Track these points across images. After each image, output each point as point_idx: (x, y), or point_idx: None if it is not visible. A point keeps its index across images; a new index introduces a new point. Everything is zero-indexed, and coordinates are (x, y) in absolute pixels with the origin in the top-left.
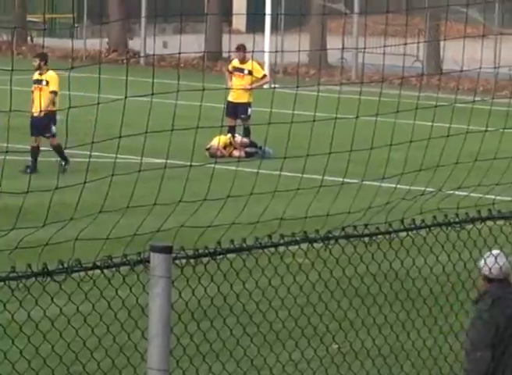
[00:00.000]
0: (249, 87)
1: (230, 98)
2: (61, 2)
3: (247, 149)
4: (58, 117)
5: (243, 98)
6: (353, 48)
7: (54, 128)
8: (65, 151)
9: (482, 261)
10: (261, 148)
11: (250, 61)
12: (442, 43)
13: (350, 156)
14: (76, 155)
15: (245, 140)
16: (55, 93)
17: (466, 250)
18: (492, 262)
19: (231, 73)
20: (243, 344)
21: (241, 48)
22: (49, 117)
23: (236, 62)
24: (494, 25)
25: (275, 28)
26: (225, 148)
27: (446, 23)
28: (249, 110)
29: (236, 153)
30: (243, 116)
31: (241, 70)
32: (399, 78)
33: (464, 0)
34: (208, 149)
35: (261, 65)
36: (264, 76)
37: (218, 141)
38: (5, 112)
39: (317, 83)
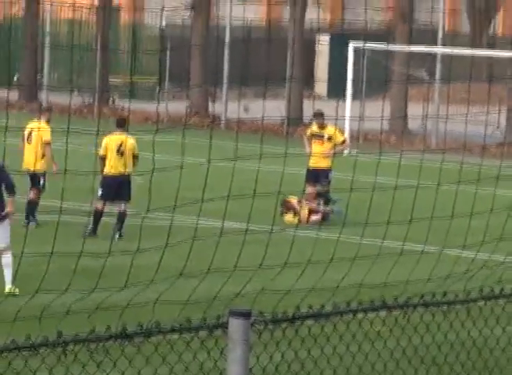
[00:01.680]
0: (329, 152)
1: (310, 164)
2: (142, 65)
3: (320, 209)
4: (140, 180)
5: (324, 163)
6: (435, 115)
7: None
8: (149, 214)
9: None
10: (332, 207)
11: (329, 126)
12: None
13: (430, 224)
14: (156, 218)
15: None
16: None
17: None
18: None
19: (310, 139)
20: None
21: (319, 115)
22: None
23: (315, 128)
24: None
25: (356, 94)
26: (300, 201)
27: None
28: (330, 175)
29: (313, 217)
30: (324, 181)
31: (321, 136)
32: (479, 147)
33: None
34: (283, 210)
35: (341, 130)
36: (344, 141)
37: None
38: (85, 173)
39: (398, 151)
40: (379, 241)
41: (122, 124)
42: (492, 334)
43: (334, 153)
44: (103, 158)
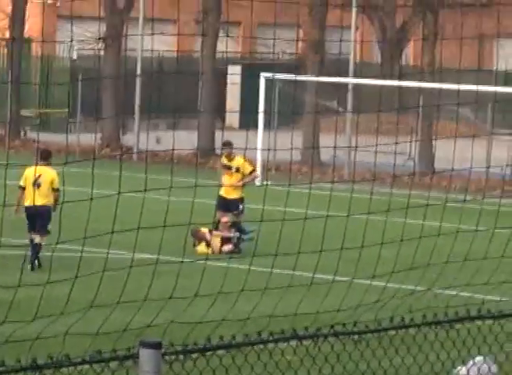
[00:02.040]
0: (238, 184)
1: (222, 193)
2: (54, 97)
3: (231, 235)
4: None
5: (234, 194)
6: (346, 146)
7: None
8: (58, 245)
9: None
10: (241, 236)
11: (237, 157)
12: (434, 142)
13: (340, 254)
14: (68, 250)
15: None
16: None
17: (455, 349)
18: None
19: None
20: None
21: (227, 145)
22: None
23: (223, 159)
24: (486, 124)
25: (268, 125)
26: (210, 231)
27: (437, 123)
28: (240, 206)
29: (225, 248)
30: (235, 211)
31: (229, 168)
32: (391, 177)
33: (456, 99)
34: (194, 241)
35: (250, 160)
36: (253, 171)
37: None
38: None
39: (309, 181)
40: (290, 271)
41: (45, 156)
42: (402, 364)
43: (243, 184)
44: (22, 189)
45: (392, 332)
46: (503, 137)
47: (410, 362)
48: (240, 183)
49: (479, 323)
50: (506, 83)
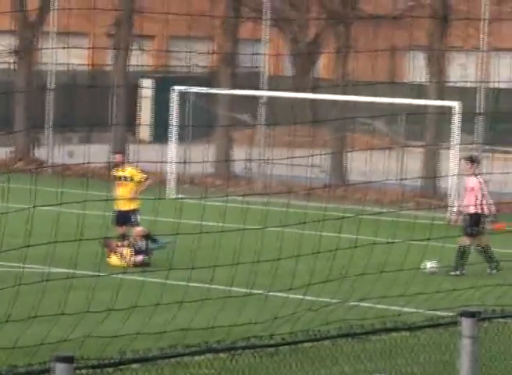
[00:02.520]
0: (134, 194)
1: (116, 207)
2: None
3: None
4: None
5: (129, 206)
6: (259, 159)
7: None
8: None
9: None
10: (151, 246)
11: (129, 168)
12: (348, 154)
13: (256, 267)
14: None
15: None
16: None
17: (372, 361)
18: None
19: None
20: None
21: (119, 155)
22: None
23: (115, 171)
24: (399, 137)
25: (181, 139)
26: (118, 244)
27: (345, 136)
28: (132, 217)
29: (137, 259)
30: (131, 222)
31: (121, 178)
32: (304, 190)
33: (369, 112)
34: (107, 251)
35: (141, 170)
36: (145, 179)
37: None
38: None
39: (222, 194)
40: (206, 285)
41: None
42: None
43: (138, 194)
44: None
45: (308, 344)
46: (416, 150)
47: (326, 374)
48: (135, 194)
49: (395, 334)
50: (419, 96)
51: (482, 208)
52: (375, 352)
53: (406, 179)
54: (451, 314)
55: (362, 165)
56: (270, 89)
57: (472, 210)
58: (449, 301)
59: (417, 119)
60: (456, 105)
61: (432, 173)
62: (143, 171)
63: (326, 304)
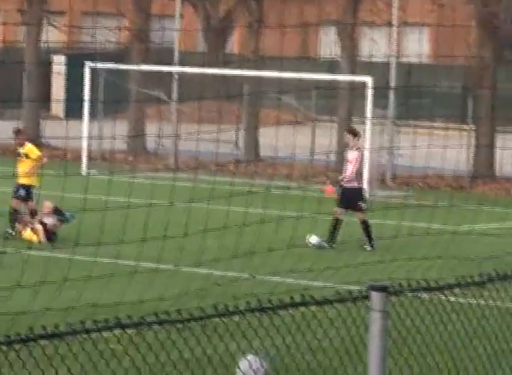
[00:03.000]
0: (31, 170)
1: (18, 182)
2: None
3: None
4: None
5: (25, 181)
6: (171, 134)
7: None
8: None
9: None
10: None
11: (28, 144)
12: (260, 129)
13: (164, 242)
14: None
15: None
16: None
17: (279, 335)
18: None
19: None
20: None
21: (17, 133)
22: None
23: (17, 147)
24: (310, 112)
25: (93, 115)
26: (32, 214)
27: (258, 111)
28: (22, 192)
29: (47, 233)
30: (23, 197)
31: (20, 155)
32: (215, 165)
33: (281, 87)
34: (19, 226)
35: (38, 147)
36: (39, 157)
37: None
38: None
39: (134, 170)
40: (114, 260)
41: None
42: (227, 351)
43: (35, 170)
44: None
45: (217, 319)
46: (327, 124)
47: (234, 348)
48: (32, 170)
49: (303, 309)
50: (329, 71)
51: (359, 182)
52: (282, 327)
53: (315, 153)
54: (360, 288)
55: (273, 140)
56: (182, 65)
57: (349, 183)
58: (358, 275)
59: (330, 94)
60: (368, 80)
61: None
62: (38, 149)
63: (235, 279)
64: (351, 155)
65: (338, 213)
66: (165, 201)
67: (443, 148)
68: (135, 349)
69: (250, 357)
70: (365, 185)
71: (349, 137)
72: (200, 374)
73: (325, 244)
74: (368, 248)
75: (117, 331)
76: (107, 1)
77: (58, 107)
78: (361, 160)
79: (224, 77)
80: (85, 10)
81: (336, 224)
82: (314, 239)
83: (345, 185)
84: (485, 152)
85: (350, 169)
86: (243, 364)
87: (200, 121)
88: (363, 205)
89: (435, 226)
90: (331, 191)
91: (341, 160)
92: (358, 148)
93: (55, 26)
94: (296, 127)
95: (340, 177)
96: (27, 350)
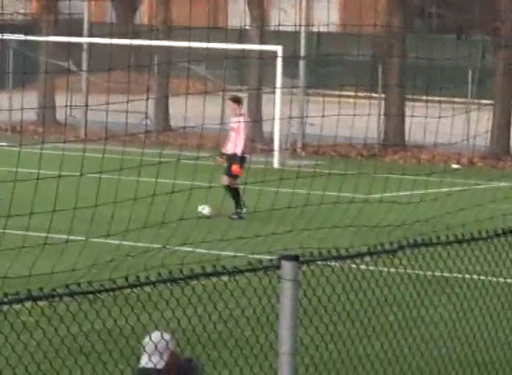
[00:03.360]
0: None
1: None
2: None
3: None
4: None
5: None
6: (81, 105)
7: None
8: None
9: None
10: None
11: None
12: (170, 100)
13: (75, 214)
14: None
15: None
16: None
17: (191, 306)
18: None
19: None
20: None
21: None
22: None
23: None
24: (221, 81)
25: (2, 85)
26: None
27: (168, 81)
28: None
29: None
30: None
31: None
32: (125, 135)
33: (191, 57)
34: None
35: None
36: None
37: None
38: None
39: (44, 141)
40: (23, 232)
41: None
42: (138, 322)
43: None
44: None
45: (128, 290)
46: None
47: (145, 319)
48: None
49: (214, 279)
50: (239, 40)
51: (242, 149)
52: (194, 297)
53: (223, 123)
54: (271, 258)
55: (183, 110)
56: (92, 36)
57: (233, 150)
58: (269, 245)
59: (240, 64)
60: (278, 49)
61: (255, 117)
62: None
63: (146, 249)
64: (235, 122)
65: (226, 181)
66: (75, 172)
67: (353, 117)
68: (46, 321)
69: (153, 332)
70: (245, 153)
71: (233, 105)
72: (112, 345)
73: (236, 216)
74: (234, 216)
75: (28, 303)
76: None
77: None
78: (245, 127)
79: (134, 48)
80: None
81: (232, 192)
82: (205, 209)
83: (229, 152)
84: (394, 121)
85: (233, 137)
86: (145, 338)
87: (110, 92)
88: (234, 169)
89: (345, 195)
90: (237, 170)
91: (254, 130)
92: (242, 115)
93: None
94: (206, 97)
95: (225, 146)
96: None
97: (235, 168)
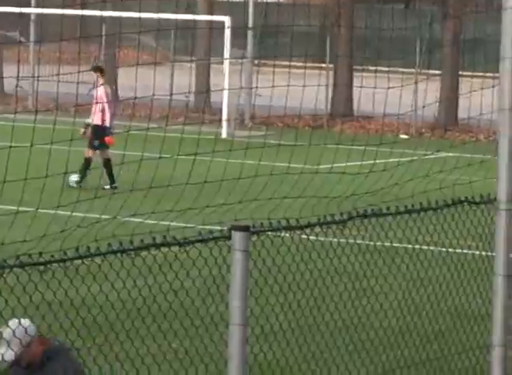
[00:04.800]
0: None
1: None
2: None
3: None
4: None
5: None
6: (29, 76)
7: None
8: None
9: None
10: None
11: None
12: (119, 70)
13: (24, 185)
14: None
15: None
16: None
17: (141, 277)
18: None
19: None
20: None
21: None
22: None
23: None
24: (169, 51)
25: None
26: None
27: (115, 52)
28: None
29: None
30: None
31: None
32: (74, 106)
33: (139, 28)
34: None
35: None
36: None
37: None
38: None
39: None
40: None
41: None
42: (88, 293)
43: None
44: None
45: (78, 261)
46: (187, 65)
47: (96, 290)
48: None
49: (165, 250)
50: (188, 11)
51: (103, 119)
52: (144, 268)
53: (173, 93)
54: (221, 228)
55: (132, 81)
56: (39, 6)
57: (96, 121)
58: (219, 215)
59: (189, 34)
60: (226, 19)
61: (203, 88)
62: None
63: (96, 220)
64: (99, 92)
65: (87, 153)
66: (25, 143)
67: (302, 87)
68: None
69: (11, 320)
70: (108, 122)
71: (97, 75)
72: (62, 316)
73: (108, 186)
74: (106, 187)
75: None
76: None
77: None
78: (108, 95)
79: (82, 18)
80: None
81: (88, 165)
82: (74, 177)
83: (92, 123)
84: (343, 91)
85: (98, 107)
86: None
87: (58, 62)
88: (96, 142)
89: (294, 166)
90: (110, 140)
91: (201, 100)
92: (104, 85)
93: None
94: (155, 68)
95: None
96: None
97: (108, 139)
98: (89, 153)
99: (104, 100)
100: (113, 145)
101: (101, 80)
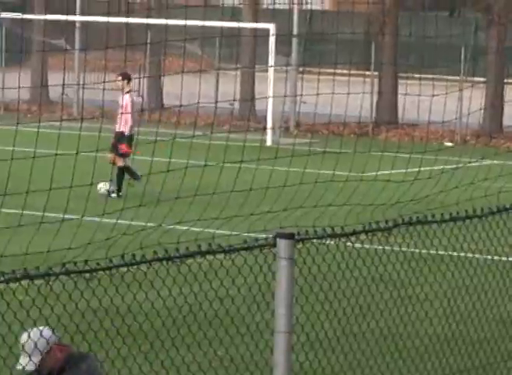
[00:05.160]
0: None
1: None
2: None
3: None
4: None
5: None
6: (74, 84)
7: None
8: None
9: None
10: None
11: None
12: (164, 78)
13: (70, 192)
14: None
15: None
16: None
17: (187, 284)
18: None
19: None
20: None
21: None
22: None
23: None
24: (214, 59)
25: None
26: None
27: (161, 60)
28: None
29: None
30: None
31: None
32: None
33: (184, 36)
34: None
35: None
36: None
37: None
38: None
39: (38, 120)
40: (19, 211)
41: None
42: (135, 300)
43: None
44: None
45: (124, 269)
46: (231, 73)
47: (142, 298)
48: None
49: (210, 257)
50: (232, 18)
51: (129, 127)
52: (190, 275)
53: (218, 101)
54: (266, 236)
55: (178, 89)
56: (84, 13)
57: (122, 129)
58: (265, 223)
59: (234, 42)
60: (271, 27)
61: (248, 95)
62: None
63: (141, 228)
64: (124, 99)
65: (114, 160)
66: (72, 150)
67: (347, 95)
68: (43, 300)
69: (32, 329)
70: (128, 131)
71: (123, 82)
72: (108, 324)
73: (114, 195)
74: (114, 195)
75: (24, 282)
76: None
77: None
78: (133, 104)
79: (128, 26)
80: None
81: (118, 171)
82: (109, 188)
83: (116, 130)
84: (387, 99)
85: (123, 115)
86: (24, 335)
87: (104, 70)
88: (122, 149)
89: (339, 173)
90: (126, 150)
91: (245, 108)
92: (130, 92)
93: None
94: (200, 75)
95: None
96: None
97: (123, 147)
98: (119, 162)
99: (129, 109)
100: (128, 156)
101: (127, 88)
